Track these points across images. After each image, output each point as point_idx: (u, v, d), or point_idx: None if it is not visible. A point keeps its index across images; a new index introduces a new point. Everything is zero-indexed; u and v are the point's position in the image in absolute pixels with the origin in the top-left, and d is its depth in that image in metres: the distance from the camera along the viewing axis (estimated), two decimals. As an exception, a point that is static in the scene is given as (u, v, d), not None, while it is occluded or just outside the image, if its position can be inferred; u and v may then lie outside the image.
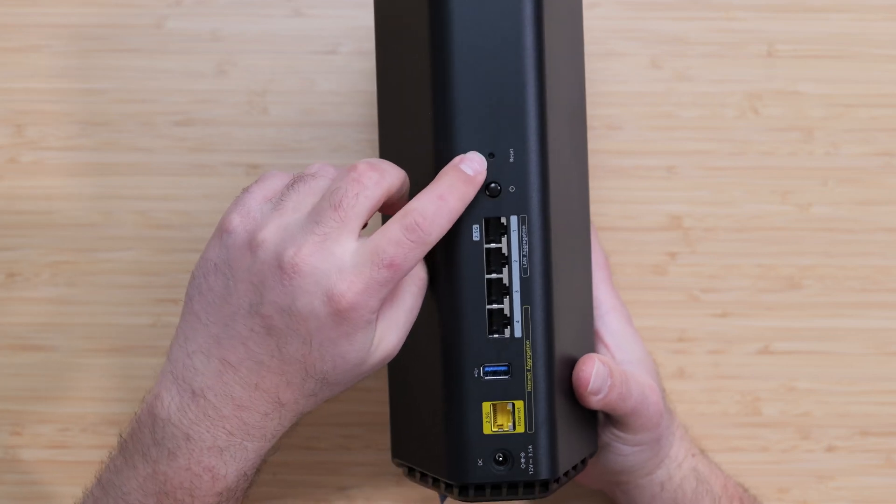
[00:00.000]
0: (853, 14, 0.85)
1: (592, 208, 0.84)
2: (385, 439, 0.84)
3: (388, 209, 0.68)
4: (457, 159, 0.67)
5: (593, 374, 0.70)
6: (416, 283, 0.68)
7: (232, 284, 0.66)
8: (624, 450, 0.75)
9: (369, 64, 0.84)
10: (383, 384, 0.76)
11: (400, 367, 0.74)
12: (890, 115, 0.85)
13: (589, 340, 0.74)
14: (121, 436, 0.69)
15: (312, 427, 0.85)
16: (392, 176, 0.66)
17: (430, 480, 0.71)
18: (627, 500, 0.79)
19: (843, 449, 0.85)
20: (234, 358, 0.66)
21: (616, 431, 0.75)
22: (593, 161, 0.84)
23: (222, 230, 0.67)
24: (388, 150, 0.73)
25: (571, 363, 0.71)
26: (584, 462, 0.74)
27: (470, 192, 0.67)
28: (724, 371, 0.85)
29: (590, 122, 0.84)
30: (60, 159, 0.85)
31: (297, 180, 0.67)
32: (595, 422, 0.75)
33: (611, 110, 0.85)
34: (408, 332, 0.68)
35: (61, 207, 0.85)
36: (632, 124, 0.85)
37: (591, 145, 0.84)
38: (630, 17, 0.84)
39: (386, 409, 0.79)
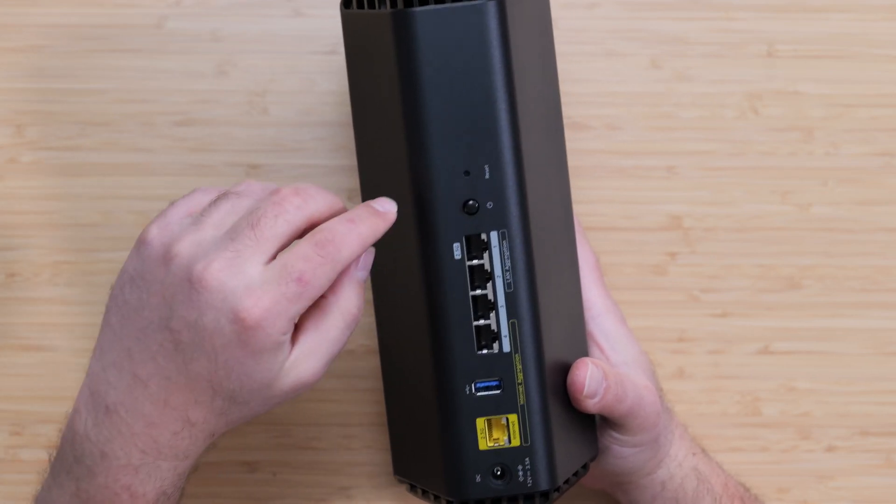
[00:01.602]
0: (853, 14, 0.84)
1: (592, 209, 0.84)
2: (385, 439, 0.84)
3: None
4: (366, 202, 0.67)
5: (587, 377, 0.70)
6: (344, 317, 0.65)
7: (146, 297, 0.65)
8: (623, 452, 0.75)
9: (369, 64, 0.84)
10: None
11: (395, 386, 0.74)
12: (890, 115, 0.85)
13: (581, 346, 0.74)
14: (49, 453, 0.69)
15: (312, 427, 0.85)
16: (318, 203, 0.65)
17: (432, 497, 0.72)
18: (629, 500, 0.79)
19: (843, 449, 0.85)
20: (145, 373, 0.65)
21: (614, 434, 0.74)
22: (593, 161, 0.84)
23: (140, 241, 0.66)
24: (367, 173, 0.72)
25: (564, 371, 0.71)
26: (584, 467, 0.73)
27: (380, 225, 0.66)
28: (723, 371, 0.85)
29: (590, 122, 0.84)
30: (60, 159, 0.85)
31: (221, 197, 0.66)
32: (594, 427, 0.75)
33: (611, 110, 0.85)
34: (329, 364, 0.66)
35: (61, 207, 0.85)
36: (632, 124, 0.85)
37: (590, 145, 0.84)
38: (630, 17, 0.84)
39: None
